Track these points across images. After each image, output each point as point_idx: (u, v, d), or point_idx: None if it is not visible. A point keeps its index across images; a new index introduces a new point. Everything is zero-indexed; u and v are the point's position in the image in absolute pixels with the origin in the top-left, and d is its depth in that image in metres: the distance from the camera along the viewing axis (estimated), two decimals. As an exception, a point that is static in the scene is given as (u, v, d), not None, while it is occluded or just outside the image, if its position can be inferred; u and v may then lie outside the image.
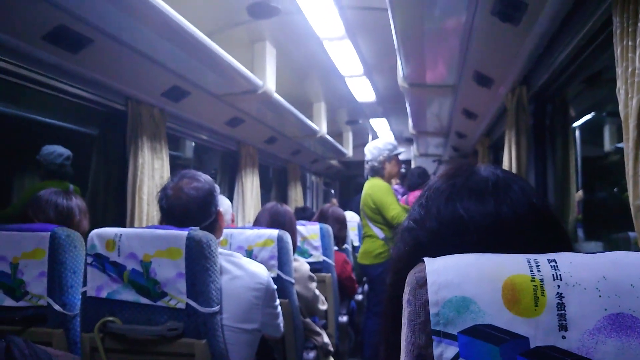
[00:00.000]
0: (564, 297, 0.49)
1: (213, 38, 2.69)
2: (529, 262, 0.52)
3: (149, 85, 2.91)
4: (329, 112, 5.72)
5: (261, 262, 2.40)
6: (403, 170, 5.85)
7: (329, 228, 3.39)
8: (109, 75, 2.62)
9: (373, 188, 4.02)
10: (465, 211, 0.64)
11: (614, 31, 1.21)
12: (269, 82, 3.45)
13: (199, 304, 1.57)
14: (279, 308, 1.91)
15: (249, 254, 2.44)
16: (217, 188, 1.86)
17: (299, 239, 3.35)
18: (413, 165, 7.55)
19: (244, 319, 1.69)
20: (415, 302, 0.53)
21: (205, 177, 1.82)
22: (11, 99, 3.97)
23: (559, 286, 0.49)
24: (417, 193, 4.60)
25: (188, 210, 1.73)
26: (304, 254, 3.35)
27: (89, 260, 1.63)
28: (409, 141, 8.01)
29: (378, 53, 3.87)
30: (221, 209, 1.89)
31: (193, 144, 6.29)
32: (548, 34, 2.08)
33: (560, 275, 0.50)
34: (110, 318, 1.61)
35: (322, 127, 5.44)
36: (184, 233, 1.58)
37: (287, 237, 2.46)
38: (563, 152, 2.69)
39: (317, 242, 3.36)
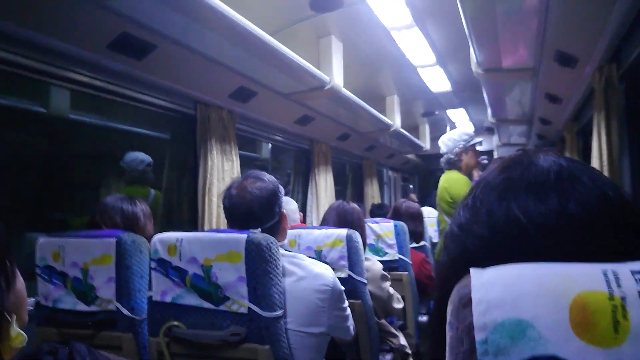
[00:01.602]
0: (654, 322, 0.37)
1: (277, 36, 2.65)
2: (605, 274, 0.40)
3: (216, 87, 2.92)
4: (402, 104, 5.56)
5: (330, 263, 2.35)
6: (485, 161, 5.58)
7: (403, 225, 3.27)
8: (175, 79, 2.65)
9: (449, 181, 3.86)
10: (523, 211, 0.51)
11: None
12: (336, 77, 3.37)
13: (261, 308, 1.52)
14: (348, 310, 1.82)
15: (318, 255, 2.38)
16: (282, 189, 1.81)
17: (372, 237, 3.26)
18: (496, 156, 7.21)
19: (309, 323, 1.63)
20: (458, 326, 0.43)
21: (269, 177, 1.77)
22: (91, 109, 4.16)
23: (647, 307, 0.37)
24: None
25: (252, 209, 1.69)
26: (378, 252, 3.26)
27: (153, 265, 1.63)
28: (490, 131, 7.64)
29: (450, 40, 3.68)
30: (285, 209, 1.84)
31: (270, 145, 6.36)
32: (635, 5, 1.85)
33: (648, 292, 0.38)
34: (175, 323, 1.60)
35: (395, 121, 5.29)
36: (243, 236, 1.54)
37: (357, 236, 2.38)
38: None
39: (392, 240, 3.26)
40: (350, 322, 1.83)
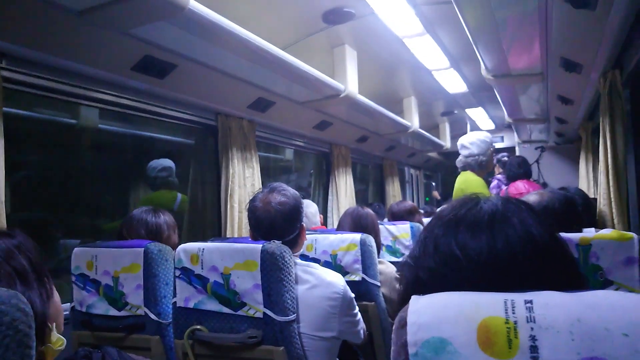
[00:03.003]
0: (537, 340, 0.49)
1: (292, 48, 2.79)
2: (505, 303, 0.52)
3: (235, 99, 3.07)
4: (421, 105, 5.64)
5: (345, 266, 2.47)
6: (505, 158, 5.61)
7: (419, 226, 3.36)
8: (196, 94, 2.81)
9: (466, 183, 3.91)
10: (460, 247, 0.64)
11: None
12: (350, 84, 3.49)
13: (275, 313, 1.65)
14: (359, 315, 1.93)
15: (333, 259, 2.50)
16: (303, 202, 1.93)
17: (390, 238, 3.36)
18: (517, 153, 7.20)
19: (321, 328, 1.75)
20: (397, 342, 0.55)
21: (292, 192, 1.89)
22: (122, 120, 4.35)
23: (532, 329, 0.49)
24: (517, 184, 4.41)
25: (274, 224, 1.82)
26: (395, 253, 3.35)
27: (177, 273, 1.78)
28: (510, 128, 7.65)
29: (461, 44, 3.75)
30: (305, 212, 1.96)
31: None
32: (631, 13, 1.93)
33: (534, 317, 0.50)
34: (198, 327, 1.74)
35: (414, 122, 5.38)
36: (258, 246, 1.67)
37: (370, 240, 2.49)
38: (667, 138, 2.47)
39: (409, 241, 3.34)
40: (361, 327, 1.94)
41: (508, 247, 0.62)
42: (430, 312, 0.54)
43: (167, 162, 3.85)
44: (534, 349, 0.49)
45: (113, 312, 1.94)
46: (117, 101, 2.51)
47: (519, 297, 0.52)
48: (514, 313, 0.51)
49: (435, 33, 3.48)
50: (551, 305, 0.51)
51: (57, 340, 1.08)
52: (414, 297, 0.56)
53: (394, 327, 0.57)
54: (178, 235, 2.29)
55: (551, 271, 0.62)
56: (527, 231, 0.64)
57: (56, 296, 1.15)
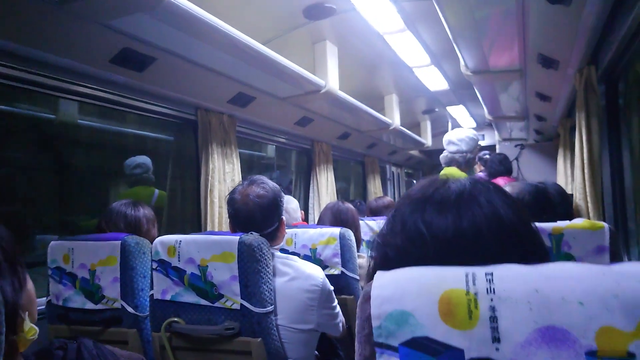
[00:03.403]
0: (496, 310, 0.50)
1: (273, 44, 2.78)
2: (466, 275, 0.53)
3: (215, 94, 3.06)
4: (402, 103, 5.67)
5: (325, 260, 2.48)
6: (487, 155, 5.67)
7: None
8: (175, 88, 2.79)
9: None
10: (427, 224, 0.65)
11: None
12: (331, 80, 3.50)
13: (252, 304, 1.65)
14: (338, 308, 1.94)
15: (313, 252, 2.51)
16: (283, 196, 1.94)
17: (370, 233, 3.38)
18: (498, 150, 7.28)
19: (299, 320, 1.75)
20: (361, 315, 0.56)
21: (271, 185, 1.89)
22: (101, 115, 4.31)
23: (492, 300, 0.51)
24: (498, 181, 4.46)
25: (252, 217, 1.82)
26: (376, 248, 3.36)
27: (154, 265, 1.77)
28: (491, 126, 7.73)
29: (442, 41, 3.77)
30: (286, 208, 1.96)
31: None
32: (605, 9, 1.96)
33: (493, 288, 0.51)
34: (175, 319, 1.74)
35: (395, 119, 5.40)
36: (235, 238, 1.67)
37: (350, 234, 2.50)
38: (641, 134, 2.51)
39: (389, 237, 3.36)
40: (340, 320, 1.95)
41: (474, 226, 0.63)
42: (393, 286, 0.55)
43: (142, 159, 3.84)
44: (493, 319, 0.50)
45: (90, 305, 1.92)
46: (95, 94, 2.48)
47: (479, 270, 0.53)
48: (474, 285, 0.52)
49: (416, 29, 3.50)
50: (510, 277, 0.52)
51: (30, 329, 1.07)
52: (378, 272, 0.57)
53: (358, 302, 0.57)
54: (157, 230, 2.27)
55: (516, 249, 0.63)
56: (494, 210, 0.65)
57: (30, 285, 1.14)
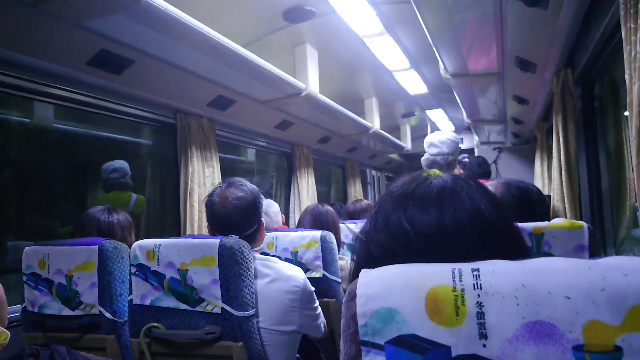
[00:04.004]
0: (483, 306, 0.50)
1: (253, 46, 2.77)
2: (453, 272, 0.52)
3: (194, 97, 3.03)
4: (382, 107, 5.69)
5: (306, 263, 2.47)
6: (466, 159, 5.72)
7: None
8: (153, 91, 2.75)
9: None
10: (409, 221, 0.64)
11: (620, 13, 1.14)
12: (311, 84, 3.49)
13: (233, 308, 1.63)
14: (319, 309, 1.93)
15: (294, 256, 2.50)
16: (262, 198, 1.92)
17: (350, 236, 3.37)
18: (476, 154, 7.36)
19: (280, 322, 1.74)
20: (346, 314, 0.55)
21: (250, 187, 1.88)
22: (79, 119, 4.25)
23: (479, 295, 0.50)
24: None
25: (231, 219, 1.80)
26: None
27: (133, 270, 1.74)
28: (469, 129, 7.81)
29: (421, 45, 3.80)
30: (267, 212, 1.94)
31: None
32: (580, 12, 1.99)
33: (480, 284, 0.50)
34: (154, 324, 1.71)
35: (375, 123, 5.42)
36: (216, 241, 1.65)
37: (331, 237, 2.49)
38: (616, 136, 2.55)
39: (370, 239, 3.36)
40: (321, 321, 1.94)
41: (456, 221, 0.63)
42: (378, 283, 0.54)
43: (119, 163, 3.78)
44: (480, 315, 0.49)
45: (67, 311, 1.88)
46: (71, 97, 2.44)
47: (466, 266, 0.53)
48: (461, 281, 0.51)
49: (395, 33, 3.52)
50: (497, 272, 0.51)
51: (1, 333, 1.04)
52: (363, 270, 0.56)
53: (344, 300, 0.57)
54: (135, 235, 2.23)
55: (499, 245, 0.63)
56: (475, 206, 0.65)
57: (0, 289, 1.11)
